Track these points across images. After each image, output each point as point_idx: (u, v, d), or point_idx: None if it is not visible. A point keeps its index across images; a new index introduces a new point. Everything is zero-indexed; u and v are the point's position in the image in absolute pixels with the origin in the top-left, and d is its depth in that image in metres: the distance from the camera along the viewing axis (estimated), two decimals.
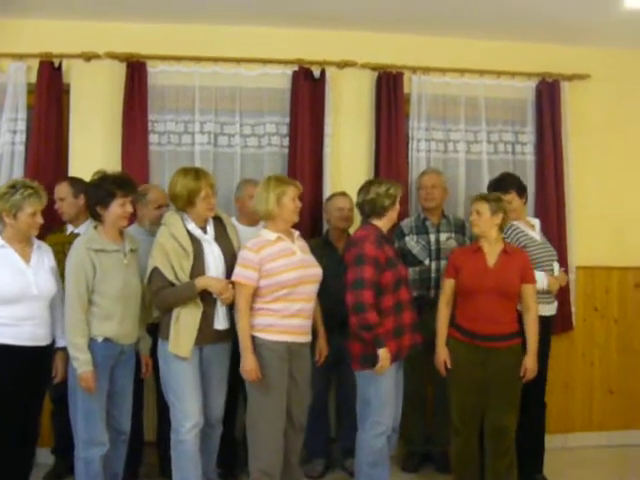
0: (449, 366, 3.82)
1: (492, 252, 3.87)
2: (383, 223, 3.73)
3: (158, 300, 3.55)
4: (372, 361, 3.56)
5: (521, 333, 3.85)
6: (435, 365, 3.87)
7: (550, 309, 4.19)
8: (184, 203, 3.60)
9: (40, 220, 3.45)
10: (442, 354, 3.83)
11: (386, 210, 3.72)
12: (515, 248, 3.99)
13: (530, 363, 3.81)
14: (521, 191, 4.28)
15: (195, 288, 3.49)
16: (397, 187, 3.76)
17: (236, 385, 3.90)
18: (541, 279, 4.02)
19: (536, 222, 4.37)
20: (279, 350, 3.56)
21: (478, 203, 3.88)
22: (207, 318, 3.56)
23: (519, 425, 4.12)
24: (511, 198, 4.17)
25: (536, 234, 4.25)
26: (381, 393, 3.61)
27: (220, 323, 3.60)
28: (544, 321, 4.09)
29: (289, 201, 3.64)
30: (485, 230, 3.86)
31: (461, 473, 3.91)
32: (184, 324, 3.51)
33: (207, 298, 3.56)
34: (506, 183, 4.27)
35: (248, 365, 3.50)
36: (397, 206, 3.75)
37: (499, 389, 3.79)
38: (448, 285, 3.90)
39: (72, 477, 3.70)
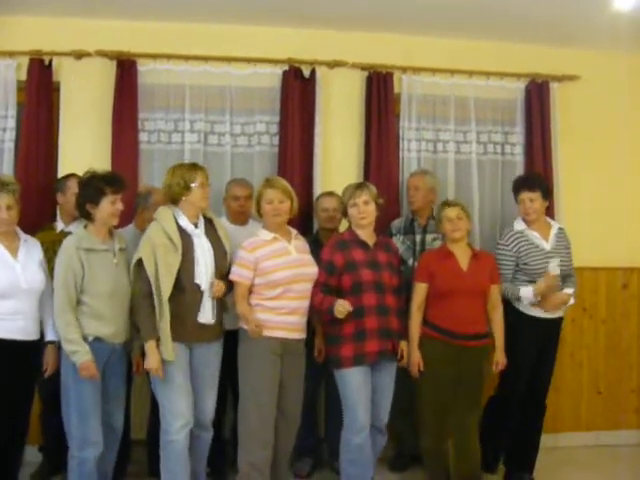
0: (422, 368, 3.86)
1: (463, 256, 3.97)
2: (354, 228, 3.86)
3: (135, 305, 3.54)
4: (334, 362, 3.74)
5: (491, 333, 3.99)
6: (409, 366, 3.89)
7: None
8: (180, 191, 3.60)
9: (3, 215, 3.42)
10: (416, 356, 3.86)
11: (345, 217, 3.92)
12: (483, 252, 4.13)
13: (500, 357, 3.98)
14: (546, 194, 4.27)
15: (150, 340, 3.49)
16: (344, 194, 3.88)
17: (225, 384, 3.91)
18: (526, 294, 4.04)
19: (555, 226, 4.31)
20: (272, 346, 3.63)
21: (457, 209, 3.97)
22: (193, 312, 3.56)
23: (514, 424, 4.20)
24: (535, 197, 4.18)
25: (546, 242, 4.19)
26: (348, 391, 3.71)
27: (204, 316, 3.58)
28: (550, 323, 4.15)
29: (266, 203, 3.74)
30: (464, 235, 3.98)
31: (434, 471, 3.98)
32: (162, 329, 3.49)
33: (194, 290, 3.56)
34: (533, 181, 4.28)
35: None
36: (351, 211, 3.82)
37: (469, 386, 3.89)
38: (421, 289, 3.93)
39: (60, 476, 3.71)
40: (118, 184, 3.55)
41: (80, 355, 3.37)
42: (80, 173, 3.74)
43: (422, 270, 3.98)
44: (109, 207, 3.50)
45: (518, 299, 4.08)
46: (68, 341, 3.39)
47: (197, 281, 3.56)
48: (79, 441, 3.45)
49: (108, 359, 3.51)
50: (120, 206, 3.55)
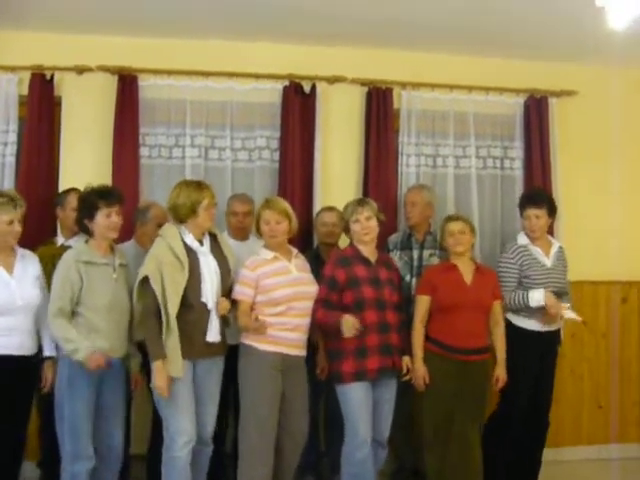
0: (427, 381, 3.86)
1: (466, 270, 3.99)
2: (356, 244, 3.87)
3: (141, 323, 3.53)
4: (336, 377, 3.74)
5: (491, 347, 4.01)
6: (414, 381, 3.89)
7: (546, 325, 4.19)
8: (187, 213, 3.59)
9: (18, 228, 3.46)
10: (421, 370, 3.87)
11: (346, 234, 3.94)
12: (486, 267, 4.14)
13: (501, 373, 3.98)
14: (552, 211, 4.30)
15: (158, 359, 3.45)
16: (345, 211, 3.89)
17: (226, 400, 3.90)
18: (535, 294, 4.05)
19: (555, 244, 4.35)
20: (273, 360, 3.64)
21: (460, 223, 4.00)
22: (200, 330, 3.56)
23: (517, 439, 4.19)
24: (542, 214, 4.22)
25: (547, 259, 4.23)
26: (349, 406, 3.71)
27: (212, 335, 3.58)
28: (547, 337, 4.17)
29: (263, 224, 3.77)
30: (467, 250, 4.00)
31: None
32: (171, 347, 3.47)
33: (200, 308, 3.56)
34: (540, 198, 4.30)
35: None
36: (353, 227, 3.82)
37: (471, 401, 3.89)
38: (424, 302, 3.95)
39: None
40: (111, 197, 3.55)
41: (82, 351, 3.34)
42: (81, 188, 3.74)
43: (425, 283, 4.00)
44: (104, 220, 3.50)
45: (525, 302, 4.07)
46: (66, 340, 3.38)
47: (203, 299, 3.56)
48: (71, 455, 3.44)
49: (105, 373, 3.48)
50: (116, 219, 3.54)
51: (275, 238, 3.75)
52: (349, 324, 3.56)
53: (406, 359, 3.84)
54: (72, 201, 4.03)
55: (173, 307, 3.47)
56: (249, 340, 3.68)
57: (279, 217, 3.76)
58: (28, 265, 3.57)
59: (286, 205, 3.84)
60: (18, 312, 3.44)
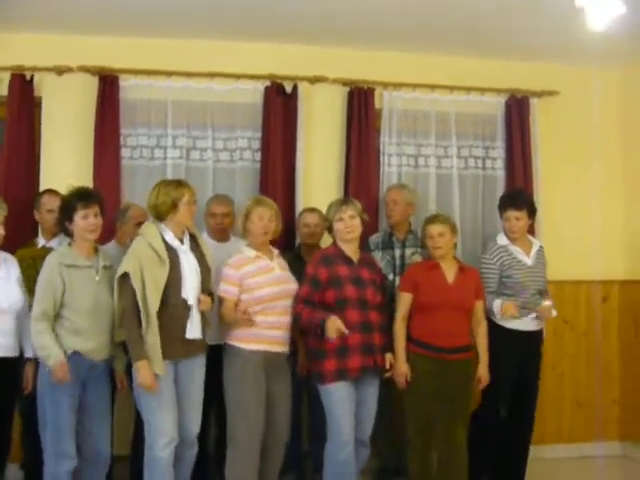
0: (409, 379, 3.87)
1: (449, 269, 3.98)
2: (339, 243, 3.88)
3: (122, 323, 3.53)
4: (318, 377, 3.74)
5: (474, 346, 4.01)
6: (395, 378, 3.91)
7: (528, 324, 4.22)
8: (167, 209, 3.60)
9: (1, 231, 3.47)
10: (403, 367, 3.88)
11: (330, 233, 3.95)
12: (469, 266, 4.13)
13: (484, 373, 3.98)
14: (531, 213, 4.32)
15: (138, 360, 3.44)
16: (329, 210, 3.89)
17: (208, 400, 3.90)
18: (494, 306, 4.10)
19: (536, 243, 4.38)
20: (256, 359, 3.68)
21: (439, 226, 3.97)
22: (180, 327, 3.55)
23: (501, 438, 4.23)
24: (522, 216, 4.24)
25: (528, 258, 4.26)
26: (332, 406, 3.72)
27: (192, 332, 3.58)
28: (529, 336, 4.20)
29: (256, 219, 3.78)
30: (448, 251, 3.98)
31: None
32: (151, 344, 3.47)
33: (181, 305, 3.55)
34: (520, 200, 4.32)
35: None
36: (337, 226, 3.83)
37: (455, 399, 3.90)
38: (406, 299, 3.95)
39: None
40: (87, 198, 3.54)
41: (51, 358, 3.35)
42: (62, 189, 3.72)
43: (407, 280, 4.00)
44: (81, 222, 3.50)
45: (491, 310, 4.12)
46: (41, 347, 3.39)
47: (184, 296, 3.56)
48: (53, 455, 3.44)
49: (88, 375, 3.49)
50: (93, 220, 3.53)
51: (267, 235, 3.80)
52: (334, 326, 3.56)
53: (389, 355, 3.85)
54: (46, 203, 4.05)
55: (153, 304, 3.47)
56: (233, 340, 3.71)
57: (272, 215, 3.82)
58: (10, 268, 3.58)
59: (276, 206, 3.91)
60: (2, 314, 3.45)
